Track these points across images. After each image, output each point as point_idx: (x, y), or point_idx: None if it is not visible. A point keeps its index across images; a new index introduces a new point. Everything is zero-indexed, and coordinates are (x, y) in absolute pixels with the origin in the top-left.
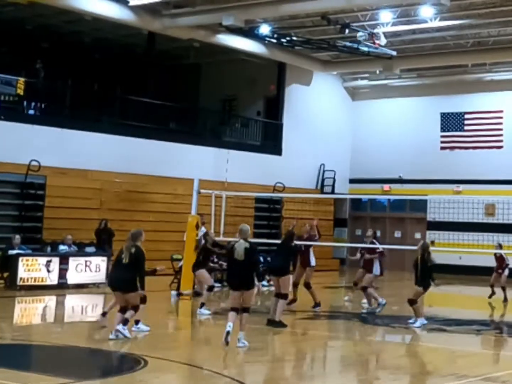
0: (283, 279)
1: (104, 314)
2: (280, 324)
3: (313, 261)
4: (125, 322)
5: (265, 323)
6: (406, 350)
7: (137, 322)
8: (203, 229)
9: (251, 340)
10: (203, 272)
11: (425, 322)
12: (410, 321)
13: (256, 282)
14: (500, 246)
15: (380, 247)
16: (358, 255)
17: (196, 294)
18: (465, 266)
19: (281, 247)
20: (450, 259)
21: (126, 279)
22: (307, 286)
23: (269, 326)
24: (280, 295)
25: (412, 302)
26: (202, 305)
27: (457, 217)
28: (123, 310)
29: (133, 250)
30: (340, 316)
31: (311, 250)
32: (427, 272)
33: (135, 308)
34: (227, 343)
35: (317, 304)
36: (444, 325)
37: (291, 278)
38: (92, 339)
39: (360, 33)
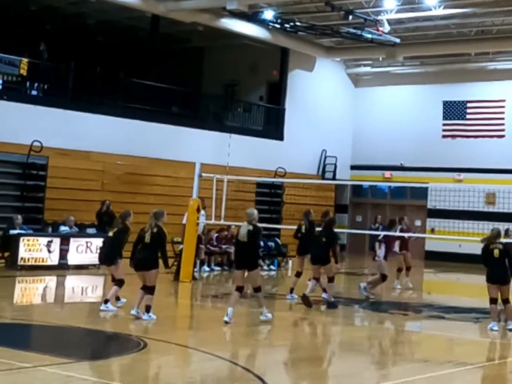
0: (326, 267)
1: (106, 301)
2: (333, 305)
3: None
4: (147, 309)
5: (300, 298)
6: (404, 337)
7: (117, 298)
8: (203, 213)
9: (251, 323)
10: None
11: None
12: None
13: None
14: (507, 233)
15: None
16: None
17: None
18: (464, 254)
19: (322, 234)
20: (450, 247)
21: (148, 258)
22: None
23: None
24: (329, 279)
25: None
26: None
27: (458, 205)
28: (145, 288)
29: (155, 229)
30: (340, 302)
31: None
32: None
33: (151, 290)
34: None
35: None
36: (442, 313)
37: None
38: (91, 320)
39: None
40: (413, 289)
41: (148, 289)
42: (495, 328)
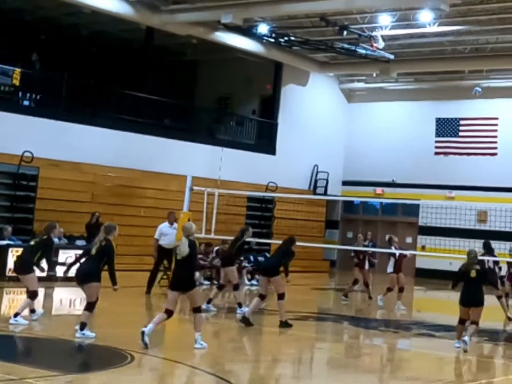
0: (274, 279)
1: (16, 315)
2: (286, 324)
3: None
4: (82, 327)
5: (239, 319)
6: (393, 355)
7: (33, 310)
8: (175, 225)
9: (240, 339)
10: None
11: None
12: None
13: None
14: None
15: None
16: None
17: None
18: (455, 272)
19: (279, 249)
20: (440, 264)
21: (89, 270)
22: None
23: (241, 323)
24: (279, 295)
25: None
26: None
27: (449, 222)
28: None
29: (103, 243)
30: (328, 318)
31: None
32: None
33: (90, 306)
34: (145, 345)
35: (370, 297)
36: (432, 331)
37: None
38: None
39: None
40: (404, 308)
41: (87, 305)
42: (457, 345)
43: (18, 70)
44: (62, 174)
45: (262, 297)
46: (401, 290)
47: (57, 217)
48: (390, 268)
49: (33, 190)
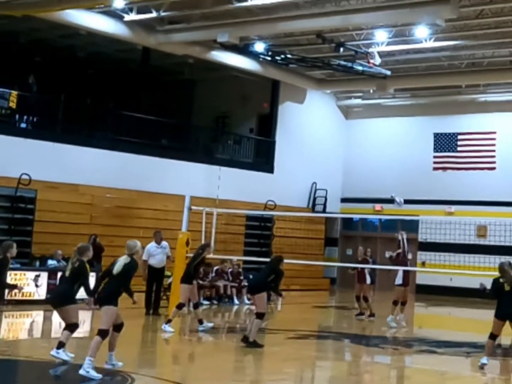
0: (257, 296)
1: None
2: (255, 344)
3: (368, 279)
4: (59, 346)
5: (240, 339)
6: (395, 372)
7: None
8: (162, 244)
9: (240, 359)
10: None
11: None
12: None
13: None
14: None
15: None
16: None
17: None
18: (456, 288)
19: (266, 267)
20: (440, 280)
21: (63, 292)
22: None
23: (243, 344)
24: (256, 314)
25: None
26: (169, 321)
27: (449, 238)
28: (67, 326)
29: (76, 264)
30: (329, 336)
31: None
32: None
33: (73, 327)
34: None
35: (372, 314)
36: (434, 347)
37: (265, 296)
38: (79, 355)
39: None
40: (405, 324)
41: (70, 327)
42: (485, 362)
43: (14, 92)
44: (60, 196)
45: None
46: (404, 303)
47: (55, 239)
48: (399, 280)
49: (31, 212)
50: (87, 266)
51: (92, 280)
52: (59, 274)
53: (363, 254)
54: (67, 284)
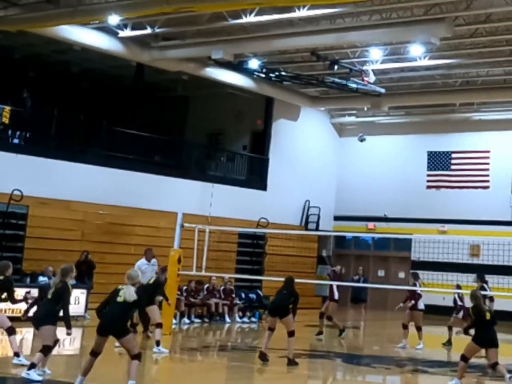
0: (286, 319)
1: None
2: (293, 362)
3: (336, 295)
4: (31, 366)
5: (258, 355)
6: None
7: (17, 354)
8: (153, 262)
9: (231, 377)
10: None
11: None
12: None
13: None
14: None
15: (419, 289)
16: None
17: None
18: (448, 307)
19: (286, 289)
20: (433, 299)
21: (44, 313)
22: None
23: (260, 360)
24: (289, 333)
25: None
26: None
27: (442, 257)
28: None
29: (59, 285)
30: (321, 356)
31: (334, 286)
32: None
33: (46, 350)
34: None
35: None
36: (426, 367)
37: (291, 317)
38: (69, 372)
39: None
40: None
41: (43, 348)
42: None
43: (7, 108)
44: (52, 212)
45: (271, 329)
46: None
47: (46, 256)
48: (422, 305)
49: (22, 228)
50: (70, 288)
51: (82, 296)
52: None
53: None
54: (49, 305)
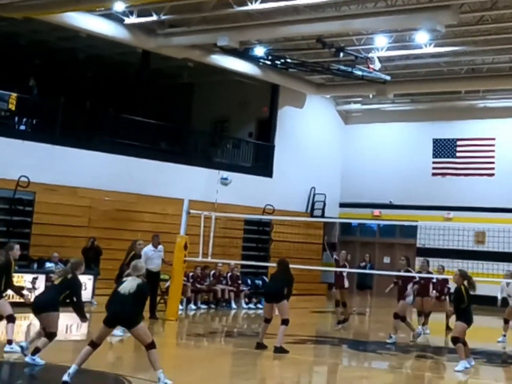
0: (281, 304)
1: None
2: (282, 350)
3: (346, 283)
4: (35, 351)
5: (254, 347)
6: (392, 378)
7: (10, 342)
8: (159, 248)
9: (237, 363)
10: None
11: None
12: None
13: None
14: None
15: (416, 275)
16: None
17: None
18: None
19: (280, 274)
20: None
21: (50, 298)
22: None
23: (258, 350)
24: (282, 321)
25: None
26: None
27: (447, 244)
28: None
29: (69, 276)
30: (327, 342)
31: (344, 274)
32: None
33: (52, 336)
34: None
35: (345, 319)
36: (432, 353)
37: (286, 303)
38: (74, 358)
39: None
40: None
41: (49, 334)
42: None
43: (14, 95)
44: (59, 198)
45: (267, 320)
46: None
47: (53, 242)
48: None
49: (29, 215)
50: (80, 282)
51: (89, 283)
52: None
53: (344, 260)
54: (54, 292)
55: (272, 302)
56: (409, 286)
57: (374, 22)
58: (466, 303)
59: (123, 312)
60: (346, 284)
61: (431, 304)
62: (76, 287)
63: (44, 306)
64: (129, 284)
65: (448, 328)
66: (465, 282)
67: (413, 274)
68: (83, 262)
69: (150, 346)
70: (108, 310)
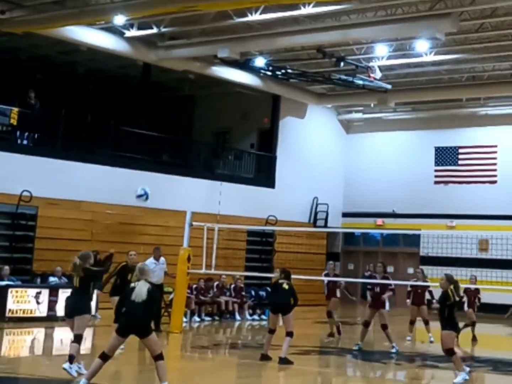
0: (287, 317)
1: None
2: (286, 361)
3: (338, 294)
4: (71, 359)
5: (259, 358)
6: None
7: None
8: (161, 260)
9: (242, 375)
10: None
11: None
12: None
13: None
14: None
15: (392, 283)
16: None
17: None
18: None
19: (286, 284)
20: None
21: (78, 301)
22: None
23: (263, 361)
24: (287, 333)
25: None
26: None
27: (450, 252)
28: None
29: (81, 274)
30: (331, 352)
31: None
32: None
33: (80, 338)
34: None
35: (332, 334)
36: (436, 362)
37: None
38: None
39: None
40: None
41: (76, 337)
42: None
43: (15, 109)
44: (61, 213)
45: (271, 331)
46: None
47: (56, 256)
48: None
49: (32, 229)
50: (94, 270)
51: (93, 297)
52: (60, 291)
53: (332, 270)
54: (81, 293)
55: (279, 313)
56: (385, 295)
57: (374, 31)
58: (452, 301)
59: (136, 320)
60: (338, 294)
61: (426, 312)
62: (93, 275)
63: (77, 309)
64: (141, 291)
65: (474, 338)
66: (452, 286)
67: (390, 281)
68: (90, 254)
69: (159, 357)
70: (120, 318)
